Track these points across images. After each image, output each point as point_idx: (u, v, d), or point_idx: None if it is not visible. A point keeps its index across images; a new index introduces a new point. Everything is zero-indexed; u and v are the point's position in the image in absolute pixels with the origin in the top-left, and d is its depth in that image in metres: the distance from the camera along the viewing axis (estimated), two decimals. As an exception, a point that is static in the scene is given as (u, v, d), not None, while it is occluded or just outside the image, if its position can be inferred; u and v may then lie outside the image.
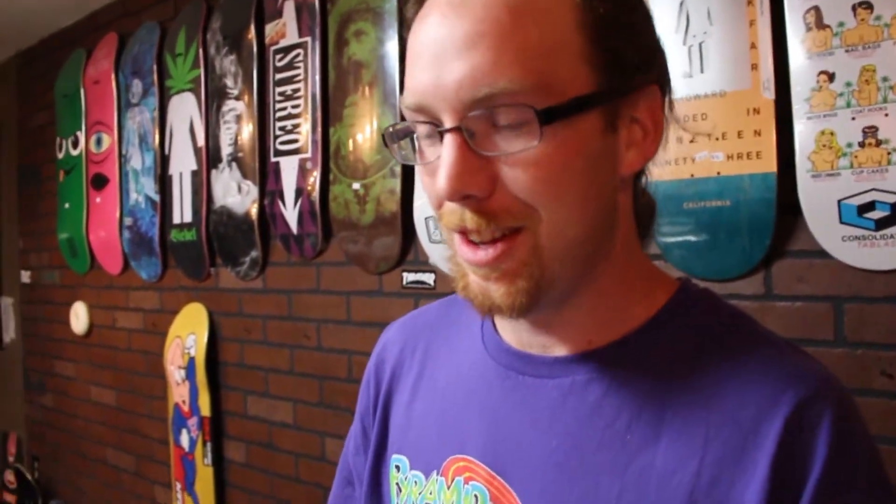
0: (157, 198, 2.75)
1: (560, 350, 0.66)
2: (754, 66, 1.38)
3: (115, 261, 3.03)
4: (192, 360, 2.57)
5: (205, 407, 2.54)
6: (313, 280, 2.26)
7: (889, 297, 1.30)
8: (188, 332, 2.61)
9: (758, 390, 0.58)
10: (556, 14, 0.55)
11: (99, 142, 3.06)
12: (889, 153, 1.26)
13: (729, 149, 1.40)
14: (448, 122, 0.56)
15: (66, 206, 3.28)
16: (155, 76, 2.74)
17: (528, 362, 0.67)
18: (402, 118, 0.61)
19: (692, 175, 1.44)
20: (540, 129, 0.54)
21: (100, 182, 3.06)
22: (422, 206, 1.91)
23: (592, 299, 0.64)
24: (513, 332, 0.69)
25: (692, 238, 1.46)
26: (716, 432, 0.57)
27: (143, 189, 2.82)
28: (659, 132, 0.62)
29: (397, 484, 0.74)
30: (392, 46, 1.95)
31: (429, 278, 1.97)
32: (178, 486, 2.69)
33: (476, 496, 0.65)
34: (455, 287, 0.63)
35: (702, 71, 1.42)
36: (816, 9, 1.31)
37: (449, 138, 0.56)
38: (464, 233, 0.59)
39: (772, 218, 1.37)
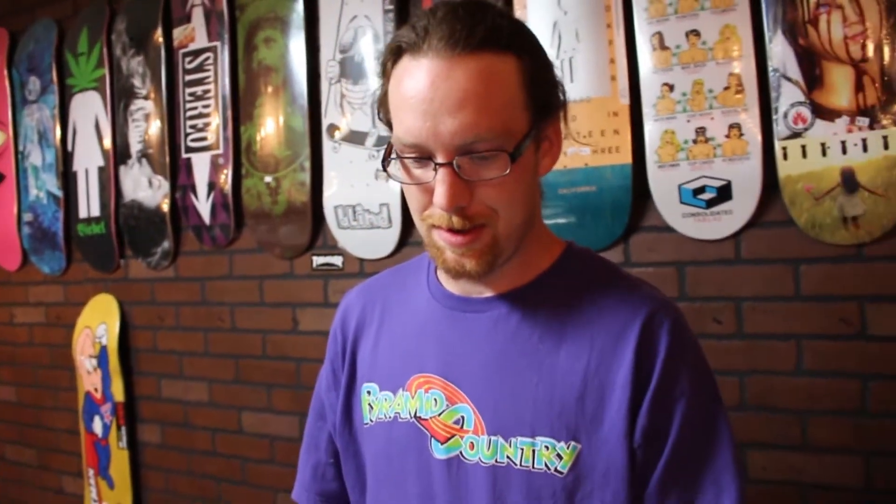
0: (60, 193, 2.82)
1: (489, 292, 0.94)
2: (613, 78, 1.71)
3: (12, 257, 3.06)
4: (104, 349, 2.68)
5: (118, 393, 2.66)
6: (226, 267, 2.43)
7: (718, 261, 1.66)
8: (98, 322, 2.72)
9: (623, 309, 0.89)
10: (509, 79, 0.83)
11: (-9, 138, 3.07)
12: (714, 148, 1.61)
13: (594, 144, 1.72)
14: (442, 159, 0.82)
15: (-45, 203, 3.25)
16: (54, 74, 2.81)
17: (468, 303, 0.95)
18: (388, 147, 0.88)
19: (565, 166, 1.75)
20: (510, 164, 0.81)
21: (-6, 179, 3.07)
22: (331, 196, 2.14)
23: (519, 257, 0.92)
24: (456, 284, 0.96)
25: (564, 219, 1.77)
26: (598, 338, 0.88)
27: (45, 185, 2.88)
28: (560, 142, 0.92)
29: (369, 404, 1.00)
30: (299, 52, 2.16)
31: (337, 260, 2.20)
32: (91, 472, 2.79)
33: (435, 399, 0.92)
34: (435, 262, 0.90)
35: (571, 81, 1.73)
36: (660, 34, 1.65)
37: (444, 170, 0.82)
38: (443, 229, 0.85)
39: (628, 201, 1.70)
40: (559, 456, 0.85)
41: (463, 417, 0.90)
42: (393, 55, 0.86)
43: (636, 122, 1.70)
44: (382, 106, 0.90)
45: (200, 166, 2.38)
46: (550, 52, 1.77)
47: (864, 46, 1.47)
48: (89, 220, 2.73)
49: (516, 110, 0.84)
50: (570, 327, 0.89)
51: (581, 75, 1.74)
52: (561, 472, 0.85)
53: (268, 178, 2.24)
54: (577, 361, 0.87)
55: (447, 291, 0.97)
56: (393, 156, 0.87)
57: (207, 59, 2.34)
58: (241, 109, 2.30)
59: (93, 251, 2.76)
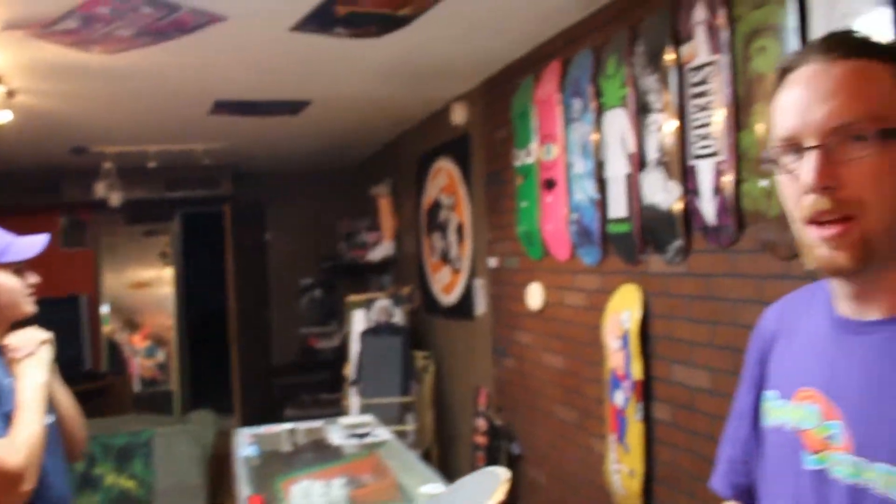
0: (597, 196, 3.30)
1: (873, 315, 0.97)
2: None
3: (563, 249, 3.68)
4: (626, 333, 3.07)
5: (637, 372, 3.02)
6: (729, 265, 2.58)
7: None
8: (624, 309, 3.12)
9: None
10: (883, 77, 0.91)
11: (548, 151, 3.73)
12: None
13: None
14: (810, 143, 0.91)
15: (524, 204, 4.04)
16: (591, 95, 3.30)
17: (854, 325, 0.99)
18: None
19: None
20: (874, 143, 0.88)
21: (550, 184, 3.73)
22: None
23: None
24: (845, 306, 1.01)
25: None
26: None
27: (586, 190, 3.40)
28: None
29: (768, 410, 1.12)
30: (797, 57, 2.18)
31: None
32: (613, 437, 3.22)
33: (812, 412, 1.00)
34: (806, 259, 0.98)
35: None
36: None
37: (812, 152, 0.91)
38: (814, 221, 0.93)
39: None
40: None
41: (834, 434, 0.96)
42: (778, 79, 0.97)
43: None
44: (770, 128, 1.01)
45: (705, 172, 2.57)
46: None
47: None
48: (618, 220, 3.15)
49: (891, 106, 0.89)
50: None
51: None
52: None
53: (763, 182, 2.31)
54: None
55: (836, 313, 1.02)
56: (768, 156, 0.98)
57: (710, 72, 2.51)
58: (739, 118, 2.41)
59: (621, 246, 3.18)
